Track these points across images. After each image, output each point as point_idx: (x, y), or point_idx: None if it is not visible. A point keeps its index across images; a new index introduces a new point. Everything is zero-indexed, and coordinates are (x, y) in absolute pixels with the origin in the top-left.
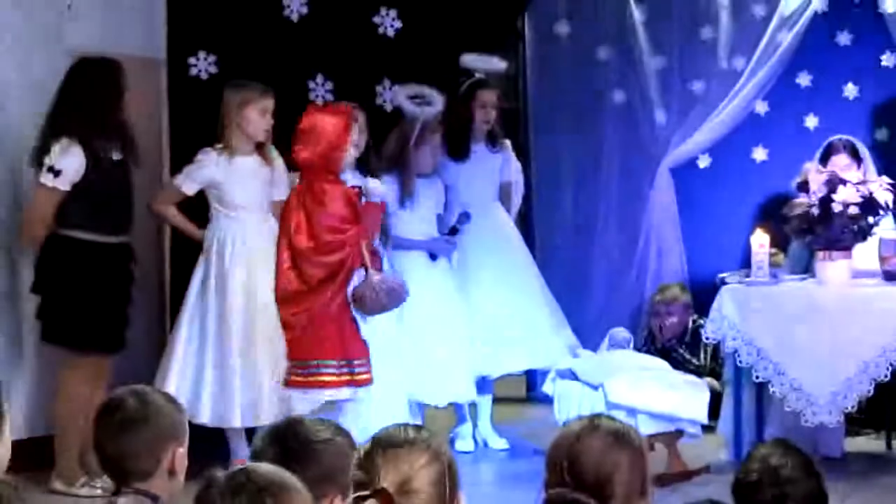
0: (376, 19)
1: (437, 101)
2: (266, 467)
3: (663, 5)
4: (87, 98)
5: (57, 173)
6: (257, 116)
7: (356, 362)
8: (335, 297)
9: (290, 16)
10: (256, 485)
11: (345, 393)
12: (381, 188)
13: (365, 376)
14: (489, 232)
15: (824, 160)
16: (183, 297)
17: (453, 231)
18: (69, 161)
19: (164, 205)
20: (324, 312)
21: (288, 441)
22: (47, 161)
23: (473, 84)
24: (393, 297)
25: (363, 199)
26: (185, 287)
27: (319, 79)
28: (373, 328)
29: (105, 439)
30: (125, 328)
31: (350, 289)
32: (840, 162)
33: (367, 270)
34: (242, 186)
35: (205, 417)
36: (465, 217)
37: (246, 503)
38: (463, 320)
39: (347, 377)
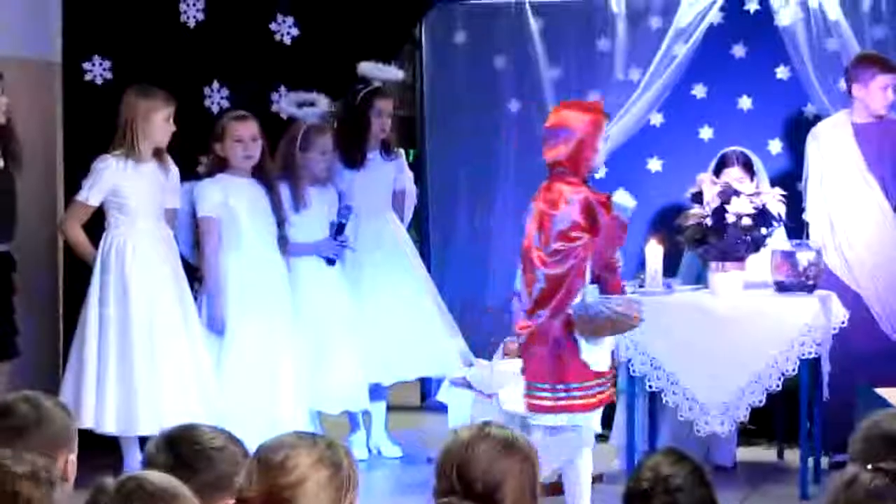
0: (273, 26)
1: (322, 104)
2: (155, 475)
3: (560, 16)
4: None
5: None
6: (162, 123)
7: (573, 386)
8: (554, 314)
9: (187, 21)
10: (146, 492)
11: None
12: (629, 203)
13: (581, 402)
14: (383, 240)
15: (718, 172)
16: (79, 305)
17: (340, 228)
18: None
19: (74, 227)
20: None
21: (181, 447)
22: None
23: (370, 92)
24: (619, 324)
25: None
26: (80, 295)
27: (215, 85)
28: (268, 333)
29: None
30: (13, 336)
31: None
32: (733, 174)
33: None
34: (144, 193)
35: (109, 426)
36: (346, 210)
37: None
38: (356, 328)
39: (564, 401)
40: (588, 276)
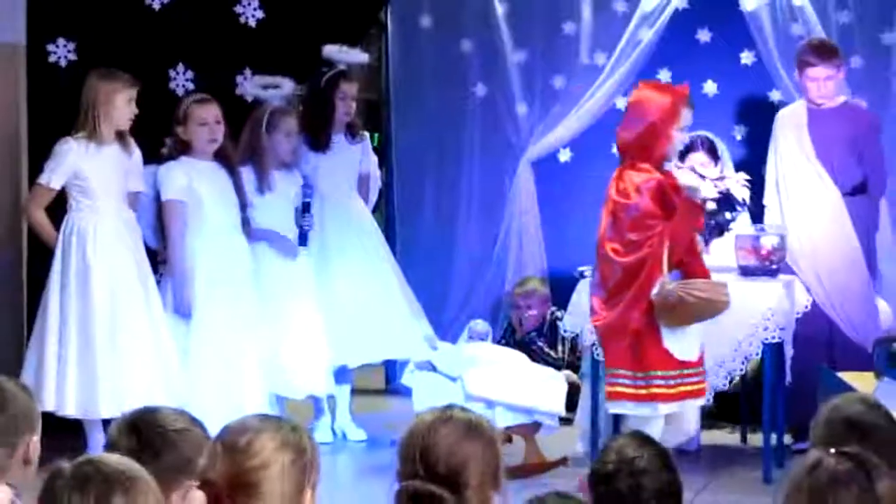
0: (238, 9)
1: (286, 86)
2: (113, 458)
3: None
4: None
5: None
6: (124, 105)
7: (655, 374)
8: (633, 303)
9: (152, 4)
10: (103, 475)
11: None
12: (695, 182)
13: (664, 391)
14: (348, 223)
15: (683, 157)
16: (42, 289)
17: (305, 207)
18: None
19: (36, 210)
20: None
21: (143, 431)
22: None
23: (335, 75)
24: (703, 309)
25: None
26: (44, 279)
27: (180, 68)
28: (232, 318)
29: None
30: None
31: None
32: (698, 159)
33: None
34: (106, 175)
35: (70, 409)
36: (307, 190)
37: (93, 495)
38: (321, 312)
39: (644, 389)
40: (665, 263)
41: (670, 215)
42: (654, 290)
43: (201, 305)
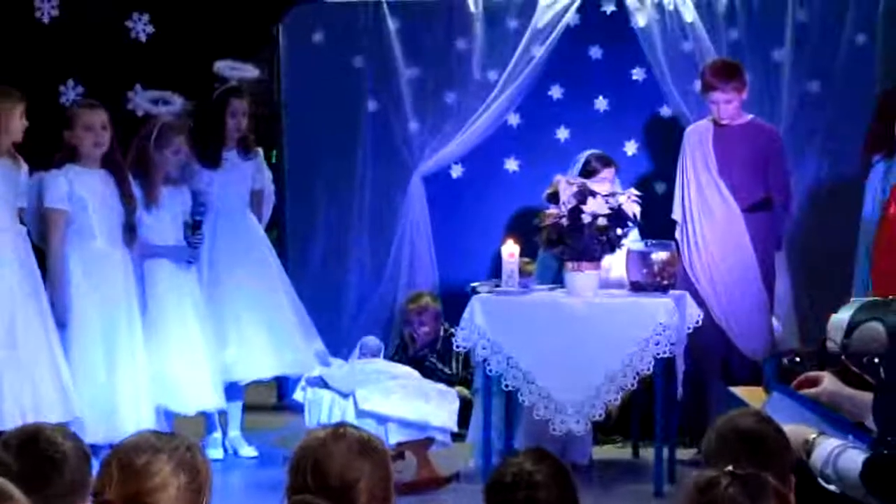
0: (129, 23)
1: (176, 101)
2: None
3: (418, 15)
4: None
5: None
6: (17, 120)
7: None
8: None
9: (42, 18)
10: None
11: None
12: None
13: None
14: (240, 239)
15: (589, 175)
16: None
17: (196, 225)
18: None
19: None
20: None
21: (32, 454)
22: None
23: (226, 91)
24: None
25: None
26: None
27: (70, 83)
28: (115, 332)
29: None
30: None
31: None
32: (608, 173)
33: None
34: (1, 191)
35: None
36: (200, 208)
37: None
38: (210, 327)
39: None
40: None
41: None
42: None
43: (79, 315)
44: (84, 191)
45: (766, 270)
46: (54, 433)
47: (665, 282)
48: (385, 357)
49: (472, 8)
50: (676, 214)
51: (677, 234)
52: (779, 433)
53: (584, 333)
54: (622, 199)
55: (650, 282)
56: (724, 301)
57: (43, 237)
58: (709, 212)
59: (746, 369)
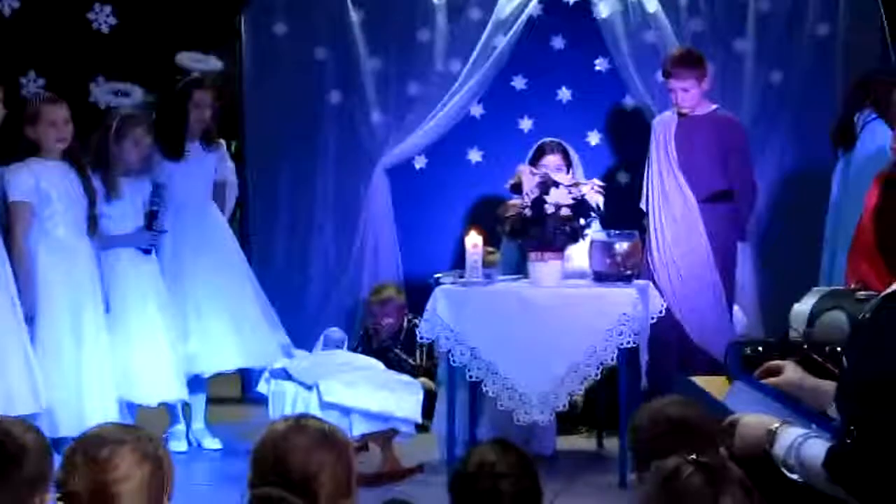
0: (90, 15)
1: (136, 94)
2: None
3: (380, 7)
4: None
5: None
6: None
7: None
8: None
9: (2, 9)
10: None
11: None
12: None
13: None
14: (203, 231)
15: (536, 161)
16: None
17: (153, 215)
18: None
19: None
20: None
21: None
22: None
23: (188, 83)
24: None
25: None
26: None
27: (31, 75)
28: (81, 324)
29: None
30: None
31: None
32: (553, 161)
33: None
34: None
35: None
36: (156, 198)
37: None
38: (172, 319)
39: None
40: None
41: None
42: None
43: (44, 308)
44: (48, 183)
45: (725, 262)
46: (13, 425)
47: (628, 272)
48: (349, 349)
49: None
50: (645, 204)
51: (645, 224)
52: (702, 414)
53: (547, 324)
54: (585, 189)
55: (613, 272)
56: (679, 292)
57: (8, 231)
58: (667, 202)
59: (704, 362)
